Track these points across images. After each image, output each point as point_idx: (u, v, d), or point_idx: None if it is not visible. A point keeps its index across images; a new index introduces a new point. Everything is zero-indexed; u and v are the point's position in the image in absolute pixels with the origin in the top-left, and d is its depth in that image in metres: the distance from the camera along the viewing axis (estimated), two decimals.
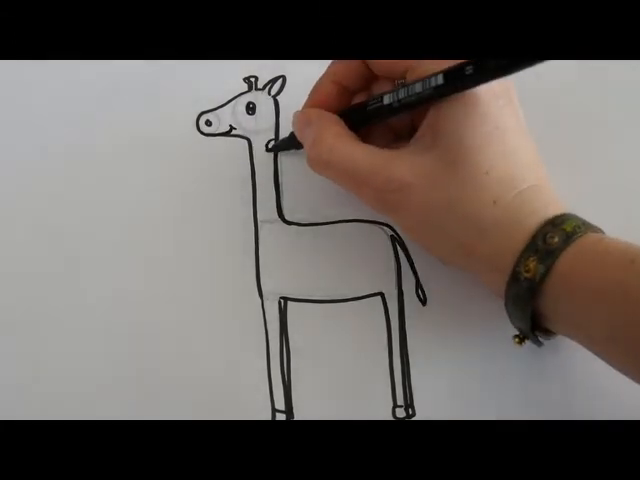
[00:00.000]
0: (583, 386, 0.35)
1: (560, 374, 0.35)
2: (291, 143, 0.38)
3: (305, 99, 0.36)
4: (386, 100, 0.32)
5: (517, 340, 0.33)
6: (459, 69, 0.29)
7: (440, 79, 0.30)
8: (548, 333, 0.32)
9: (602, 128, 0.39)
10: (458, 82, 0.30)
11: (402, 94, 0.32)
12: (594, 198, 0.37)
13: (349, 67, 0.35)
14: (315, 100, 0.36)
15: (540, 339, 0.33)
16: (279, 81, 0.40)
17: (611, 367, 0.30)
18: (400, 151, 0.33)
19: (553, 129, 0.38)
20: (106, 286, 0.38)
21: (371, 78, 0.35)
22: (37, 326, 0.37)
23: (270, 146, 0.39)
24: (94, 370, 0.36)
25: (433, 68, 0.30)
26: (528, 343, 0.33)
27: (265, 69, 0.40)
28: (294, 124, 0.36)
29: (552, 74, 0.38)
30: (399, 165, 0.32)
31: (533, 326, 0.32)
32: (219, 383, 0.36)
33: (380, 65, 0.34)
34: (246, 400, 0.36)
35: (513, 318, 0.32)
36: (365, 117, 0.34)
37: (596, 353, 0.31)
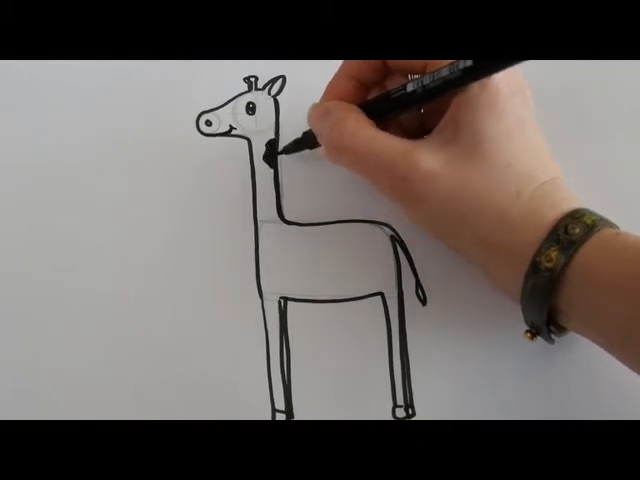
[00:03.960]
0: (584, 387, 0.35)
1: (560, 375, 0.35)
2: (299, 145, 0.38)
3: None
4: (410, 88, 0.32)
5: (529, 335, 0.33)
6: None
7: (469, 62, 0.30)
8: (560, 330, 0.32)
9: (603, 128, 0.39)
10: (486, 65, 0.30)
11: (427, 80, 0.31)
12: (594, 198, 0.37)
13: (365, 61, 0.35)
14: (331, 95, 0.36)
15: (552, 336, 0.33)
16: (279, 81, 0.40)
17: (614, 366, 0.30)
18: (422, 141, 0.33)
19: (553, 129, 0.37)
20: (105, 286, 0.38)
21: (387, 73, 0.35)
22: (39, 326, 0.37)
23: (268, 147, 0.39)
24: (93, 370, 0.36)
25: None
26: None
27: (265, 69, 0.40)
28: (309, 116, 0.36)
29: (553, 74, 0.38)
30: (424, 154, 0.32)
31: (547, 321, 0.32)
32: (219, 383, 0.36)
33: (397, 61, 0.34)
34: (246, 400, 0.36)
35: (528, 312, 0.32)
36: (387, 107, 0.34)
37: (608, 349, 0.31)
